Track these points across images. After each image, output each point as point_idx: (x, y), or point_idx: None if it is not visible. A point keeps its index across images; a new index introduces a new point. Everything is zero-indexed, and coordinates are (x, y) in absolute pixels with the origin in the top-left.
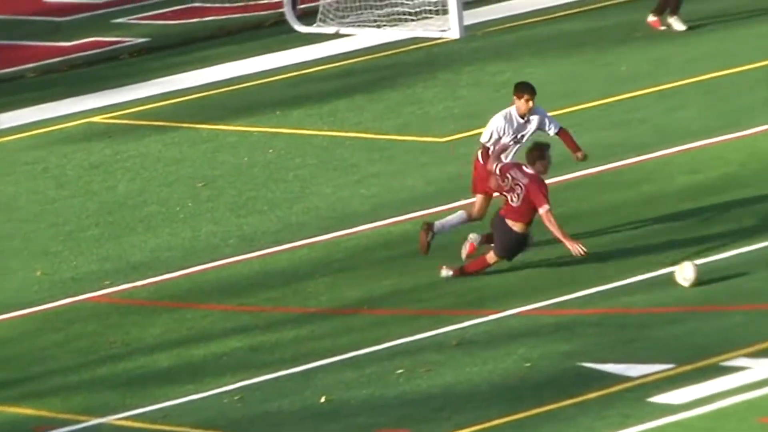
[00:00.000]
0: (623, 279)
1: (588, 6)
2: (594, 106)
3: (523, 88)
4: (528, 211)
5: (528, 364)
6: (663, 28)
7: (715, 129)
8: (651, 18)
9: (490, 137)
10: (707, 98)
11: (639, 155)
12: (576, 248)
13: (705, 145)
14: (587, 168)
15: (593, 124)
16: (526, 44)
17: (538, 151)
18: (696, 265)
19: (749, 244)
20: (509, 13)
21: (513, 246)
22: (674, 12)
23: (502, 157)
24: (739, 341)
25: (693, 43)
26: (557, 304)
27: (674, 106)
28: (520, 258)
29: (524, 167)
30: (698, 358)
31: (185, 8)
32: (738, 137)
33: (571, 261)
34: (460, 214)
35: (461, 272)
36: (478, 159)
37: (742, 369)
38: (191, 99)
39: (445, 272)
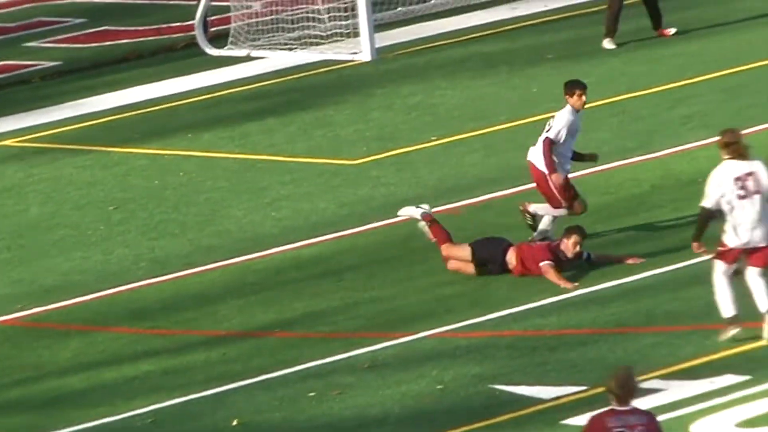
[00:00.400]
0: (535, 301)
1: (499, 28)
2: (505, 128)
3: (574, 85)
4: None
5: (440, 387)
6: (672, 30)
7: (628, 150)
8: (658, 31)
9: (558, 134)
10: (619, 119)
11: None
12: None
13: (618, 166)
14: (499, 191)
15: (504, 146)
16: (437, 66)
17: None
18: None
19: (661, 266)
20: (420, 36)
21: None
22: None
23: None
24: (652, 363)
25: (604, 64)
26: (469, 326)
27: (586, 127)
28: (432, 280)
29: None
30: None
31: (97, 31)
32: (651, 158)
33: (483, 283)
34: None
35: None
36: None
37: (655, 391)
38: (103, 122)
39: None
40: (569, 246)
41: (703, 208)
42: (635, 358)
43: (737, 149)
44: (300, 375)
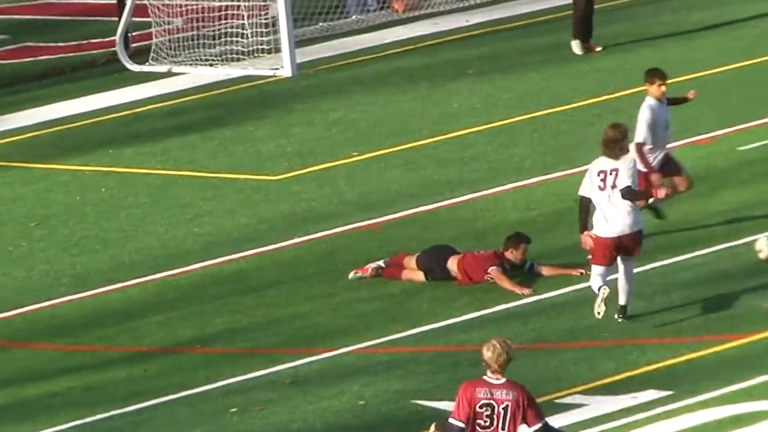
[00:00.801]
0: (457, 316)
1: (420, 43)
2: (426, 144)
3: (654, 74)
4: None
5: (362, 402)
6: (599, 48)
7: (549, 165)
8: (586, 46)
9: (644, 135)
10: (540, 134)
11: (472, 192)
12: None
13: (538, 181)
14: (420, 206)
15: (426, 161)
16: (358, 82)
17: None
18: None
19: (583, 282)
20: (341, 51)
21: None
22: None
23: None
24: (573, 379)
25: (525, 80)
26: (391, 341)
27: (507, 142)
28: (353, 296)
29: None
30: (535, 395)
31: (17, 47)
32: (572, 173)
33: (405, 298)
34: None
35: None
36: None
37: (577, 406)
38: (24, 138)
39: None
40: (516, 254)
41: (581, 197)
42: (556, 374)
43: (608, 146)
44: (221, 391)
